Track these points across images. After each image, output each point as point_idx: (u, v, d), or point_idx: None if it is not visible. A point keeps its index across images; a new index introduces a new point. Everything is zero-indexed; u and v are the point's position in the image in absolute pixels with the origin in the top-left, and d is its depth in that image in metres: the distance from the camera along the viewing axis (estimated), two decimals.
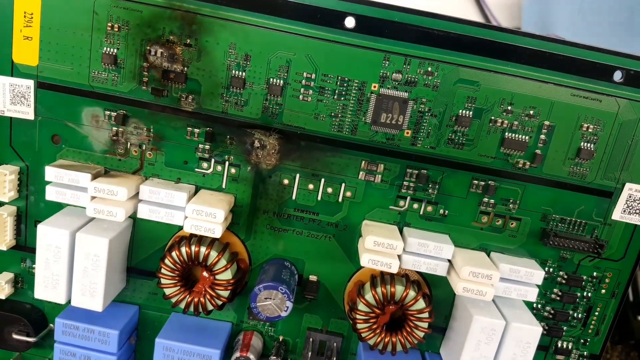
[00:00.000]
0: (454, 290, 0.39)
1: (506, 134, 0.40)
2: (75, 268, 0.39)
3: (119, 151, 0.42)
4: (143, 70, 0.40)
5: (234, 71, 0.39)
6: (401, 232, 0.42)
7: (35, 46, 0.40)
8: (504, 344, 0.40)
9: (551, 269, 0.43)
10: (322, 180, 0.42)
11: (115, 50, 0.39)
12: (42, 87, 0.41)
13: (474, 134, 0.40)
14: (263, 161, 0.41)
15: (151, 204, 0.40)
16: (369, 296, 0.40)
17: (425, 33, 0.39)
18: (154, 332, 0.45)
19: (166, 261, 0.40)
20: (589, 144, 0.41)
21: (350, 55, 0.39)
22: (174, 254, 0.40)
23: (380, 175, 0.42)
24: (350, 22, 0.39)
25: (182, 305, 0.40)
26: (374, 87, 0.39)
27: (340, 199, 0.42)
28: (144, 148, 0.42)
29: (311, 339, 0.45)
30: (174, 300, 0.41)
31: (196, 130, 0.41)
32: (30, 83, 0.40)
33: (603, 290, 0.44)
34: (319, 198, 0.42)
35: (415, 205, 0.42)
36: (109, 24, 0.39)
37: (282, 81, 0.40)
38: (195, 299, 0.40)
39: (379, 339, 0.40)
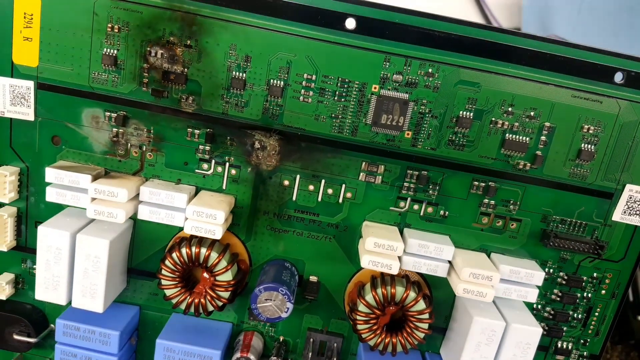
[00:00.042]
0: (454, 292, 0.39)
1: (507, 135, 0.40)
2: (75, 269, 0.39)
3: (119, 152, 0.42)
4: (143, 72, 0.40)
5: (234, 72, 0.39)
6: (401, 233, 0.42)
7: (35, 47, 0.40)
8: (504, 345, 0.40)
9: (551, 270, 0.43)
10: (323, 181, 0.42)
11: (115, 51, 0.39)
12: (42, 88, 0.41)
13: (475, 135, 0.40)
14: (263, 162, 0.41)
15: (151, 205, 0.40)
16: (369, 297, 0.40)
17: (425, 34, 0.39)
18: (154, 333, 0.45)
19: (167, 262, 0.40)
20: (589, 146, 0.41)
21: (351, 56, 0.39)
22: (174, 255, 0.40)
23: (380, 177, 0.42)
24: (350, 23, 0.39)
25: (183, 306, 0.40)
26: (375, 88, 0.39)
27: (340, 200, 0.42)
28: (144, 149, 0.42)
29: (311, 340, 0.45)
30: (174, 301, 0.41)
31: (196, 132, 0.41)
32: (30, 84, 0.40)
33: (603, 291, 0.44)
34: (320, 199, 0.42)
35: (416, 207, 0.42)
36: (109, 25, 0.39)
37: (282, 82, 0.40)
38: (196, 300, 0.40)
39: (379, 339, 0.40)
